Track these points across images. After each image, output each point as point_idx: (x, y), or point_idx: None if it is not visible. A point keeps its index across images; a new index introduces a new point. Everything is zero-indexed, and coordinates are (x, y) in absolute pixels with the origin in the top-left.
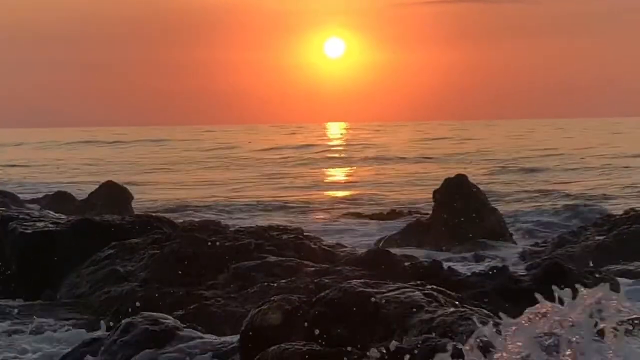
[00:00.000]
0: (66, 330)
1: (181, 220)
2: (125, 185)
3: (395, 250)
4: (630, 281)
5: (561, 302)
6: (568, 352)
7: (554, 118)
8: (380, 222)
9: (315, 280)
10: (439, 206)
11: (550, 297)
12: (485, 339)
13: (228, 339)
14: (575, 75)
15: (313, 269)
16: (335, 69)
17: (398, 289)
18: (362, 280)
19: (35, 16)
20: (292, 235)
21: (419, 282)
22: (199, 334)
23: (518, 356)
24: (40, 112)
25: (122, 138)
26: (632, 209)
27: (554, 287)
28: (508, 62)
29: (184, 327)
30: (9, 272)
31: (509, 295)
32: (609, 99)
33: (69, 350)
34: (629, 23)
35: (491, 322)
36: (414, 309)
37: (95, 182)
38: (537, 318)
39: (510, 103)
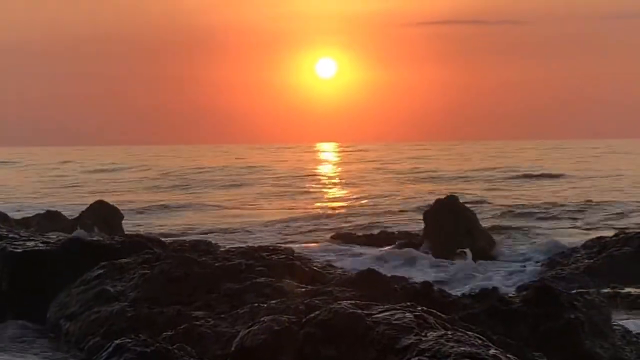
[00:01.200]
0: (55, 351)
1: (170, 240)
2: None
3: (385, 272)
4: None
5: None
6: None
7: (543, 140)
8: (371, 243)
9: (306, 301)
10: (429, 227)
11: (539, 319)
12: None
13: None
14: (566, 95)
15: (303, 289)
16: (327, 88)
17: (388, 310)
18: (352, 302)
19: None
20: (282, 256)
21: (409, 303)
22: (189, 355)
23: None
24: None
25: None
26: (622, 232)
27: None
28: (499, 82)
29: (174, 348)
30: None
31: (499, 317)
32: (601, 120)
33: None
34: (620, 44)
35: None
36: (404, 331)
37: None
38: None
39: (502, 123)
